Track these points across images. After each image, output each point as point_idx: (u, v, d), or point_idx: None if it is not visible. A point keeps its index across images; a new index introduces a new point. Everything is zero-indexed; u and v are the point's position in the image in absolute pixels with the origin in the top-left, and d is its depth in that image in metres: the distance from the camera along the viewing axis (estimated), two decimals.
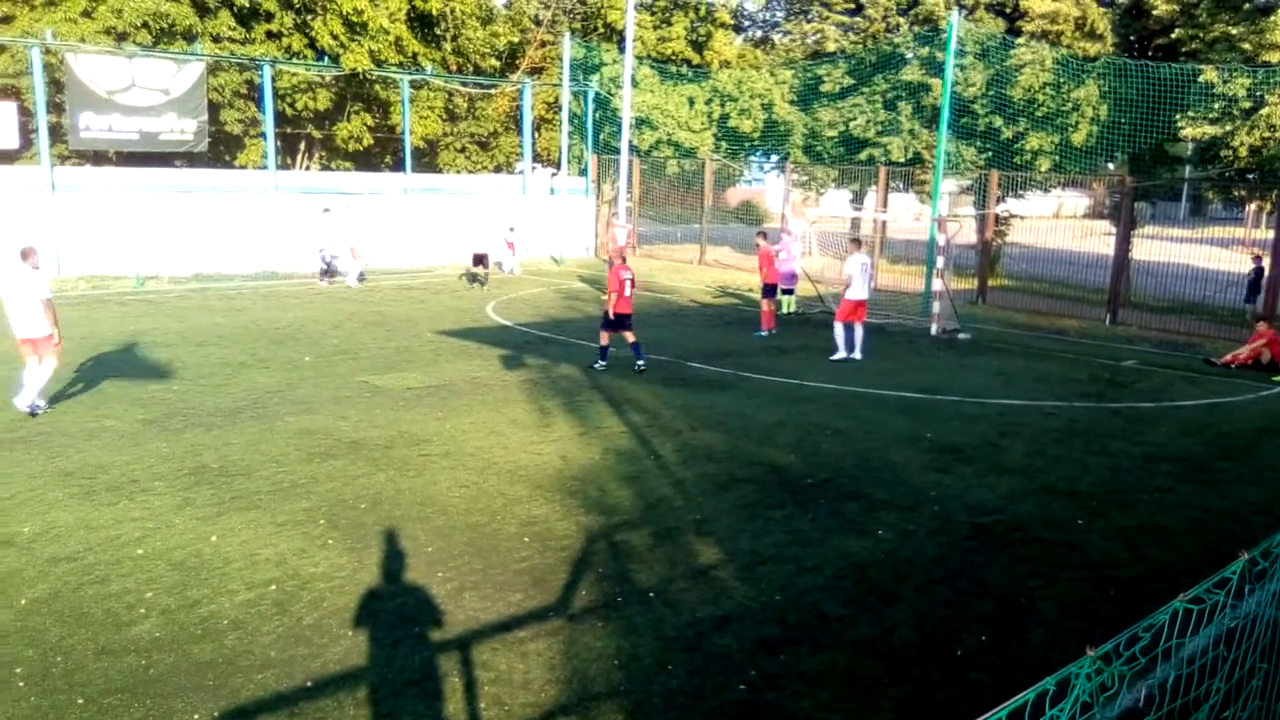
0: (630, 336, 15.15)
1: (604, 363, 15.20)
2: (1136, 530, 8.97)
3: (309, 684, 5.86)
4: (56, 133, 25.14)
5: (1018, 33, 26.22)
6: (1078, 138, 24.34)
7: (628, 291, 14.99)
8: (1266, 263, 22.01)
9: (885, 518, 9.03)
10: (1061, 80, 24.40)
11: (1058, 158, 25.05)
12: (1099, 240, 25.48)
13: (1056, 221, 36.13)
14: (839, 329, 16.79)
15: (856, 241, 17.92)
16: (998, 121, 25.69)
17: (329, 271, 24.70)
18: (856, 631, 6.78)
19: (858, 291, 16.75)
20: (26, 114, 24.85)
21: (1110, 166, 26.53)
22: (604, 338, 15.24)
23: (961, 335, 19.53)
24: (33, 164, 24.65)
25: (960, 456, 11.12)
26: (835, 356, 16.65)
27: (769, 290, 19.39)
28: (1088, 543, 8.60)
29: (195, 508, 8.71)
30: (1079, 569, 8.01)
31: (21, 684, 5.73)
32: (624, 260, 15.52)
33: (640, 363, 15.11)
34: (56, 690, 5.68)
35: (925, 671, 6.27)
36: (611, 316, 14.96)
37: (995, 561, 8.11)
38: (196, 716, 5.48)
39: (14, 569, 7.28)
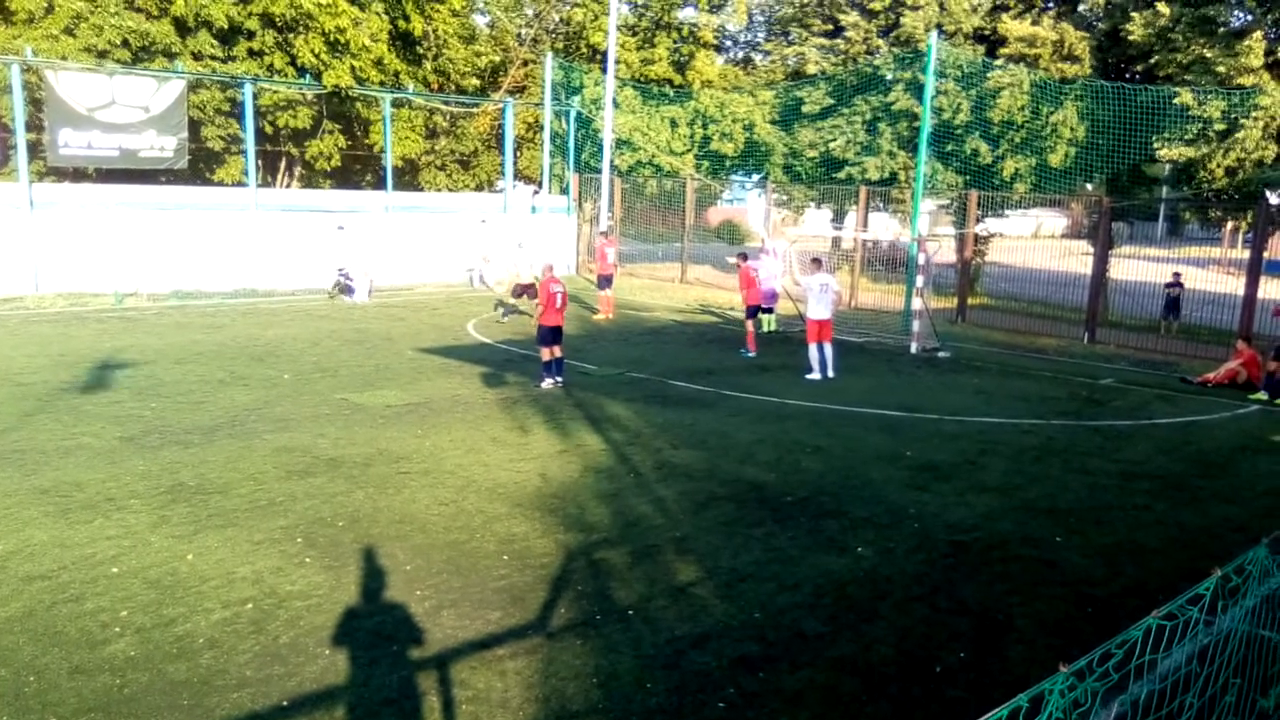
0: (558, 351, 15.20)
1: (559, 379, 15.18)
2: (1114, 547, 9.01)
3: (285, 703, 5.82)
4: (35, 150, 25.03)
5: (996, 56, 26.47)
6: (1055, 159, 24.57)
7: (559, 305, 15.08)
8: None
9: (865, 535, 9.04)
10: (1039, 103, 24.63)
11: (1035, 178, 25.27)
12: (1077, 260, 25.69)
13: (1035, 241, 36.40)
14: (811, 350, 16.88)
15: (817, 261, 18.04)
16: (977, 143, 25.89)
17: (348, 289, 24.90)
18: (836, 649, 6.78)
19: (817, 311, 16.84)
20: (5, 130, 24.73)
21: (1089, 187, 26.78)
22: (545, 353, 15.21)
23: (941, 353, 19.62)
24: (10, 181, 24.52)
25: (939, 474, 11.16)
26: (809, 376, 16.71)
27: (752, 311, 19.41)
28: (1066, 560, 8.64)
29: (172, 526, 8.64)
30: (1057, 586, 8.04)
31: None
32: (554, 275, 15.66)
33: (550, 380, 15.12)
34: (29, 710, 5.62)
35: (905, 689, 6.27)
36: (536, 328, 15.15)
37: (974, 579, 8.14)
38: None
39: None
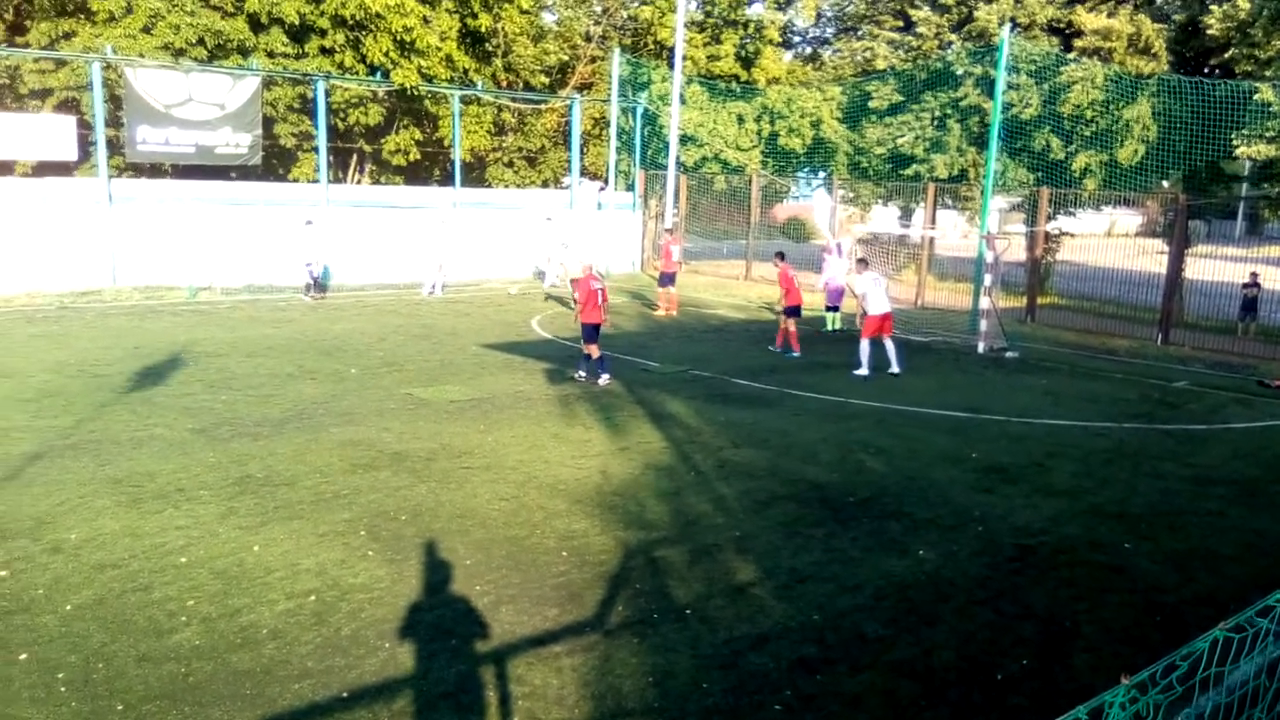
0: (595, 350, 15.26)
1: (607, 375, 15.21)
2: (1186, 554, 8.79)
3: (345, 695, 5.90)
4: (114, 146, 25.66)
5: (1070, 49, 25.95)
6: (1127, 156, 24.02)
7: (599, 301, 15.19)
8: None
9: (928, 537, 8.92)
10: (1113, 97, 24.09)
11: (1108, 175, 24.72)
12: (1152, 259, 25.10)
13: (1108, 239, 35.65)
14: (864, 345, 16.73)
15: (863, 262, 17.91)
16: (1048, 138, 25.41)
17: (318, 285, 24.56)
18: (896, 653, 6.70)
19: (877, 306, 16.74)
20: (86, 127, 25.37)
21: (1164, 184, 26.15)
22: (594, 350, 15.27)
23: (1009, 354, 19.29)
24: (90, 176, 25.17)
25: (1006, 476, 10.98)
26: (858, 372, 16.56)
27: (792, 311, 18.97)
28: (1135, 566, 8.45)
29: (239, 517, 8.81)
30: (1125, 593, 7.86)
31: (63, 689, 5.82)
32: (594, 272, 15.84)
33: (582, 374, 15.29)
34: (97, 696, 5.76)
35: (965, 695, 6.18)
36: (577, 324, 15.31)
37: (1039, 584, 7.99)
38: None
39: (60, 575, 7.41)
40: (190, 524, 8.57)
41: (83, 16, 27.80)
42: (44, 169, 25.03)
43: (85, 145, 25.47)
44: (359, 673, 6.15)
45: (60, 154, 24.05)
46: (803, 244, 34.83)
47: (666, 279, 24.07)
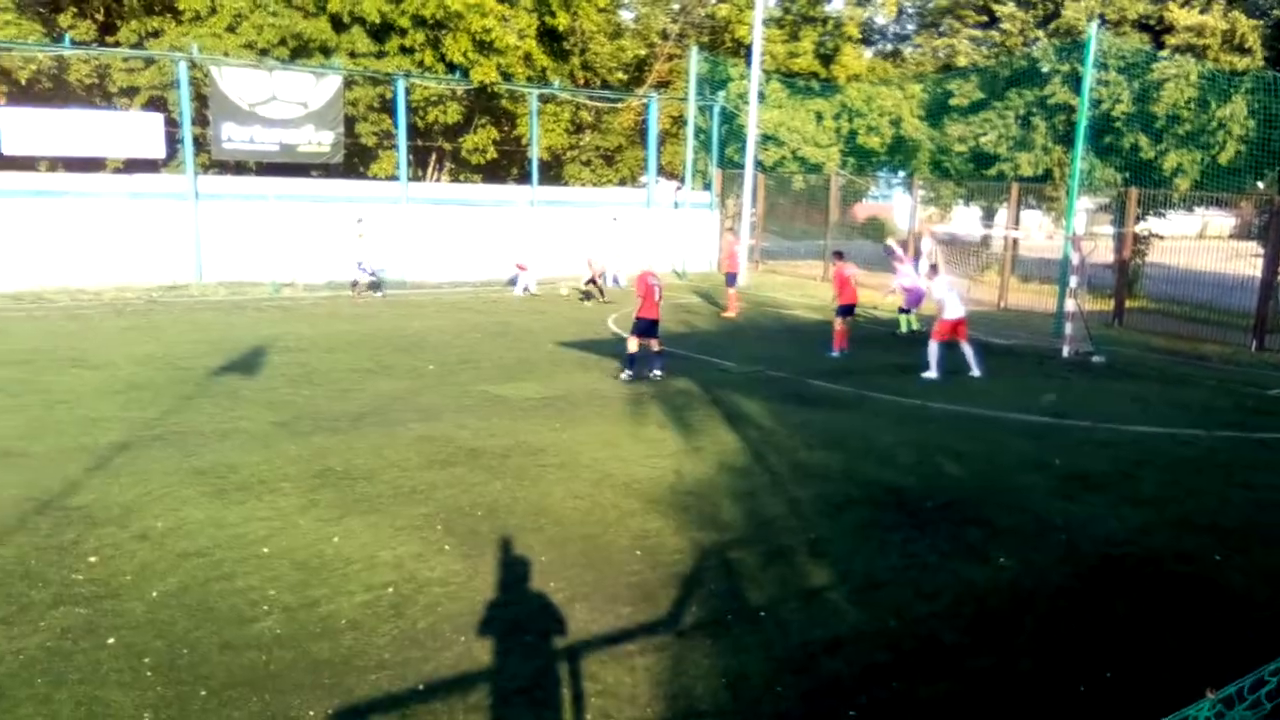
0: (655, 345, 15.35)
1: (630, 373, 15.17)
2: (1279, 569, 8.49)
3: (421, 687, 5.95)
4: (200, 143, 26.28)
5: (1162, 46, 25.28)
6: (1223, 156, 23.31)
7: (657, 297, 15.22)
8: None
9: (1008, 545, 8.73)
10: (1207, 95, 23.40)
11: (1200, 176, 24.02)
12: (1246, 262, 24.33)
13: (1200, 241, 34.68)
14: (934, 348, 16.48)
15: (934, 268, 17.61)
16: (1137, 137, 24.77)
17: (375, 285, 24.58)
18: (973, 661, 6.56)
19: (953, 310, 16.52)
20: (172, 125, 26.03)
21: (1259, 185, 25.33)
22: (632, 344, 15.28)
23: (1095, 358, 18.84)
24: (177, 173, 25.81)
25: (1089, 484, 10.71)
26: (927, 374, 16.30)
27: (843, 310, 18.71)
28: (1225, 580, 8.17)
29: (319, 509, 8.95)
30: (1213, 606, 7.61)
31: (149, 673, 5.96)
32: (651, 269, 15.99)
33: (658, 372, 15.32)
34: (182, 681, 5.89)
35: (1045, 706, 6.03)
36: (635, 321, 15.39)
37: (1123, 595, 7.77)
38: (312, 713, 5.61)
39: (147, 562, 7.59)
40: (272, 515, 8.73)
41: (169, 16, 28.53)
42: (132, 166, 25.72)
43: (172, 143, 26.14)
44: (435, 665, 6.21)
45: (148, 151, 24.67)
46: (880, 245, 34.36)
47: (731, 279, 24.05)
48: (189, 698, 5.72)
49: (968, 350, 16.54)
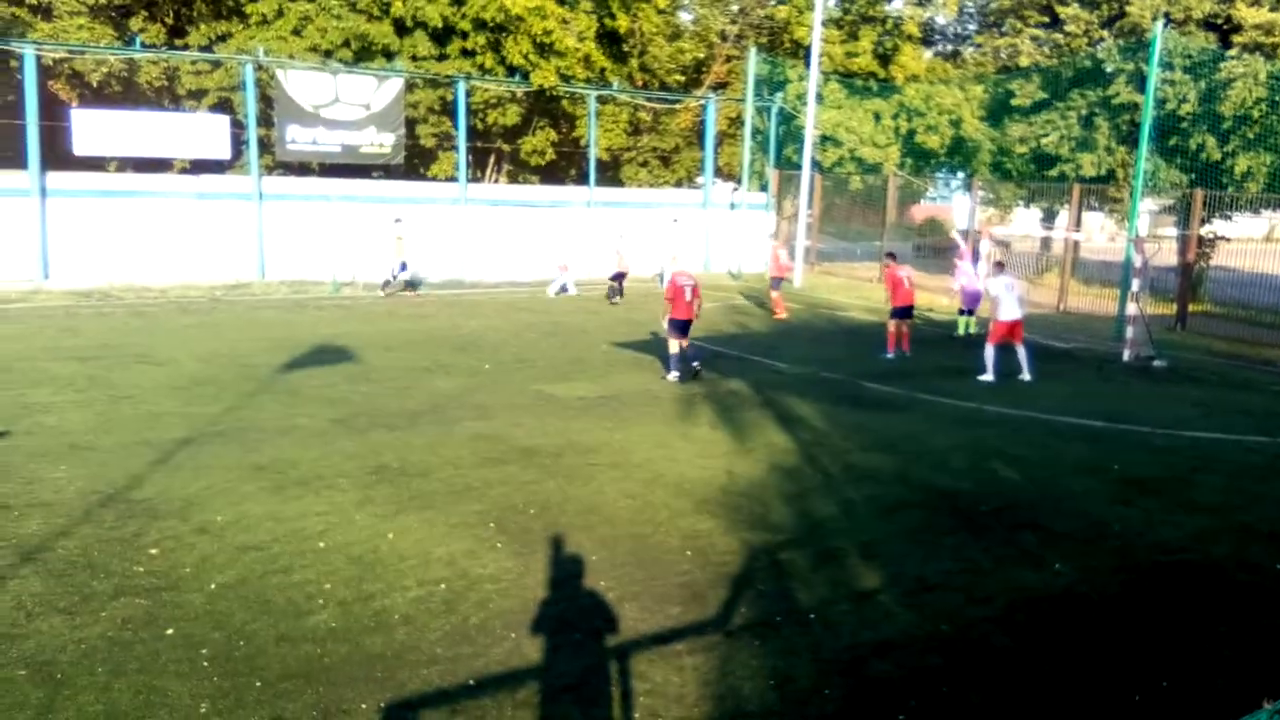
0: (684, 342, 15.33)
1: (675, 374, 15.19)
2: None
3: (471, 682, 6.03)
4: (265, 144, 26.75)
5: (1229, 45, 24.76)
6: None
7: (687, 298, 15.20)
8: None
9: (1063, 550, 8.63)
10: (1276, 95, 22.89)
11: (1270, 178, 23.50)
12: None
13: (1267, 244, 33.91)
14: (989, 350, 16.29)
15: (1000, 265, 17.42)
16: (1204, 139, 24.29)
17: (410, 284, 25.02)
18: (1026, 667, 6.50)
19: (1007, 312, 16.31)
20: (238, 126, 26.53)
21: None
22: (673, 345, 15.31)
23: (1157, 362, 18.52)
24: (242, 174, 26.30)
25: (1147, 490, 10.54)
26: (982, 377, 16.12)
27: (897, 313, 18.57)
28: None
29: (375, 505, 9.09)
30: (1273, 616, 7.47)
31: (206, 664, 6.10)
32: (684, 269, 16.03)
33: (695, 364, 15.44)
34: (238, 672, 6.02)
35: (1100, 714, 5.96)
36: (666, 322, 15.40)
37: (1181, 603, 7.65)
38: (364, 706, 5.71)
39: (206, 555, 7.77)
40: (329, 510, 8.89)
41: (237, 19, 29.08)
42: (198, 167, 26.26)
43: (237, 144, 26.64)
44: (485, 661, 6.29)
45: (215, 152, 25.19)
46: (938, 245, 34.06)
47: (776, 282, 24.00)
48: (244, 689, 5.84)
49: (1022, 353, 16.36)
